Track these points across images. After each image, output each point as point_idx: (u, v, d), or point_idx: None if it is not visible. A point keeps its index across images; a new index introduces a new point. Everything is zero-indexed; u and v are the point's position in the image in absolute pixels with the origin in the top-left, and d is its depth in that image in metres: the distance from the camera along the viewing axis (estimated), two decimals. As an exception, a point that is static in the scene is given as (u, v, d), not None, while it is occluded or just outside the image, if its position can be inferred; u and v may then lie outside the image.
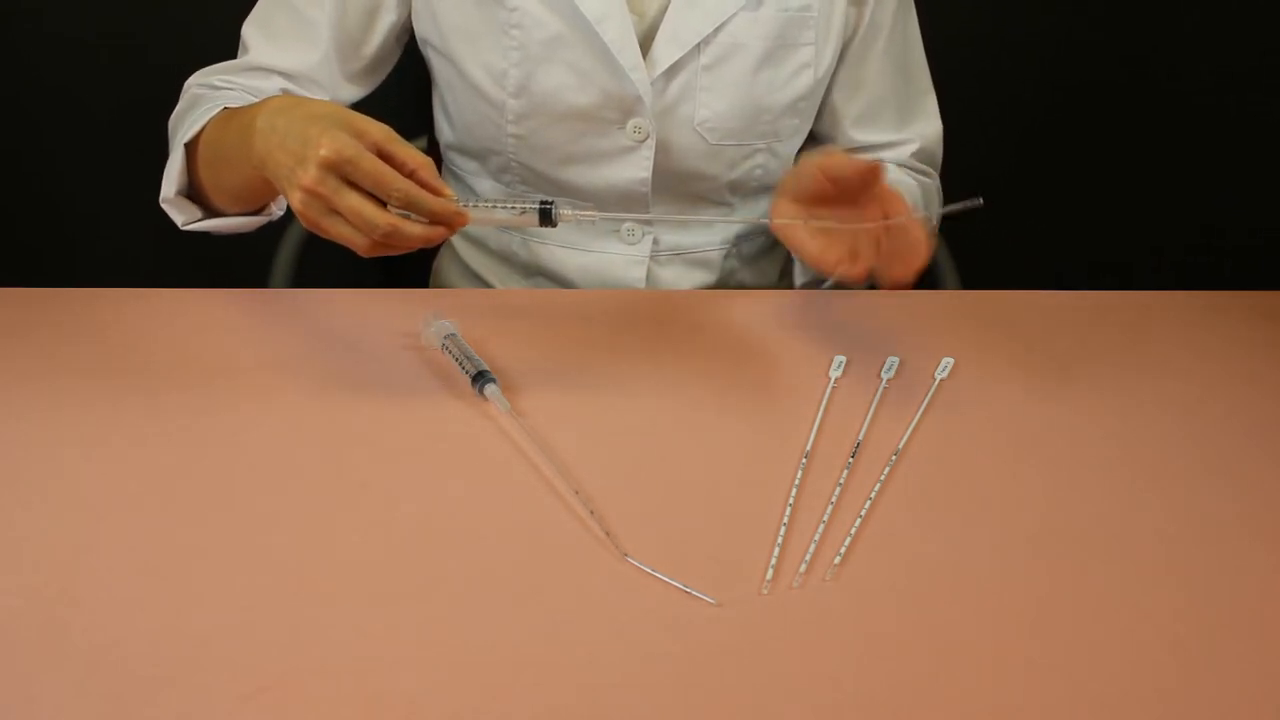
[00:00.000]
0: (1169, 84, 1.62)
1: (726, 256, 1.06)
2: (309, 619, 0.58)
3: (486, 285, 1.09)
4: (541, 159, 0.98)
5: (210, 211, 0.90)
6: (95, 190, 1.61)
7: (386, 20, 0.97)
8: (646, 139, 0.96)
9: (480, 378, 0.76)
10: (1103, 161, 1.68)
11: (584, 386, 0.79)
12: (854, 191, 0.80)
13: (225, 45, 0.98)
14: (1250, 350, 0.87)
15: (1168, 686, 0.56)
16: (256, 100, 0.82)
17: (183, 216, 0.89)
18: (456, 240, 1.11)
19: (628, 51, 0.92)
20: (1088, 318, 0.92)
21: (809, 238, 0.80)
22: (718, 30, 0.94)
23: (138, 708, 0.52)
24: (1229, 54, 1.60)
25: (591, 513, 0.65)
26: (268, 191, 0.85)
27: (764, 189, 1.03)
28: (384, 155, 0.69)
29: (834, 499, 0.68)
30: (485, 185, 1.04)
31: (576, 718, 0.53)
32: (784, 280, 1.13)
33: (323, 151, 0.68)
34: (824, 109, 1.04)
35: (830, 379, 0.80)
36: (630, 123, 0.95)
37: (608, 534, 0.64)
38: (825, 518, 0.66)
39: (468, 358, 0.77)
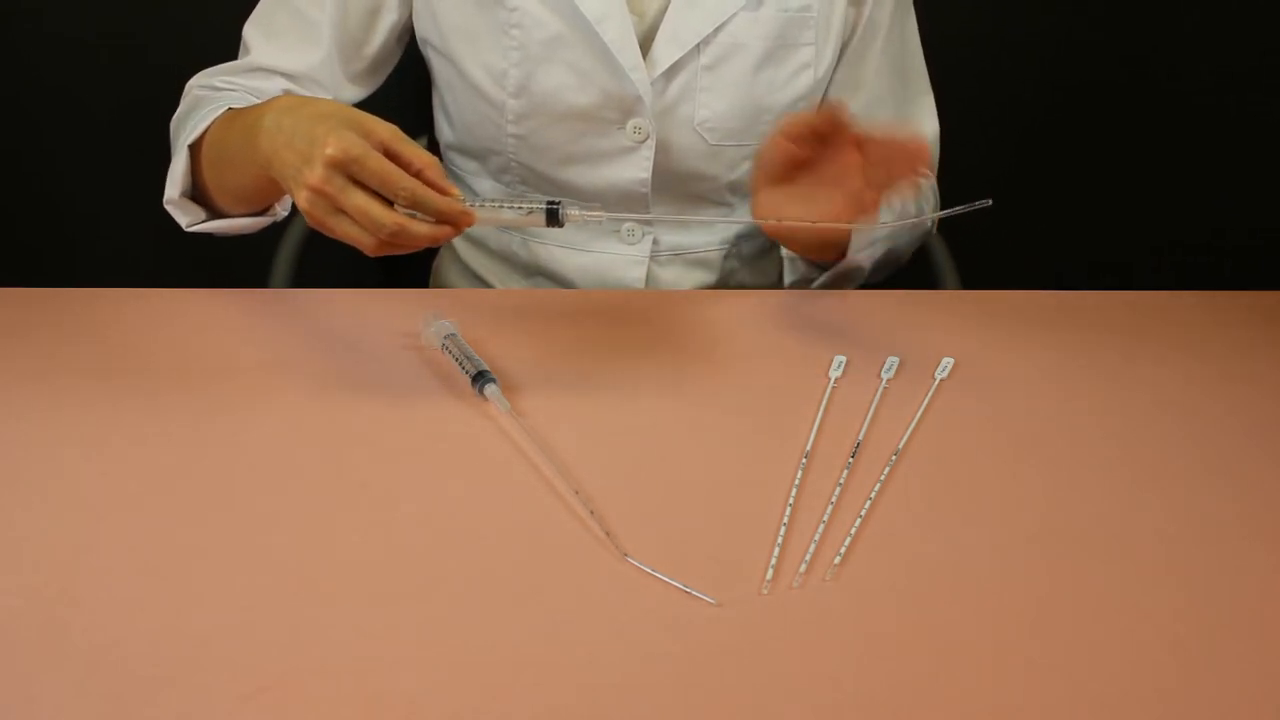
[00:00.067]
0: (1169, 84, 1.62)
1: (726, 257, 1.06)
2: (309, 619, 0.58)
3: (486, 285, 1.09)
4: (541, 159, 0.98)
5: (214, 213, 0.90)
6: (95, 190, 1.61)
7: (388, 20, 0.97)
8: (646, 139, 0.96)
9: (480, 378, 0.76)
10: (1102, 161, 1.68)
11: (584, 386, 0.79)
12: (826, 141, 0.80)
13: (225, 45, 0.98)
14: (1250, 350, 0.87)
15: (1168, 686, 0.56)
16: (260, 101, 0.82)
17: (187, 218, 0.89)
18: (456, 240, 1.11)
19: (628, 51, 0.92)
20: (1088, 318, 0.92)
21: (801, 215, 0.81)
22: (718, 30, 0.94)
23: (138, 708, 0.52)
24: (1229, 54, 1.60)
25: (591, 513, 0.65)
26: (273, 192, 0.85)
27: (764, 190, 1.03)
28: (391, 154, 0.69)
29: (834, 499, 0.68)
30: (485, 185, 1.04)
31: (576, 718, 0.53)
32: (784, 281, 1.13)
33: (329, 150, 0.68)
34: None
35: (830, 379, 0.80)
36: (630, 123, 0.95)
37: (608, 534, 0.64)
38: (825, 518, 0.66)
39: (468, 358, 0.77)
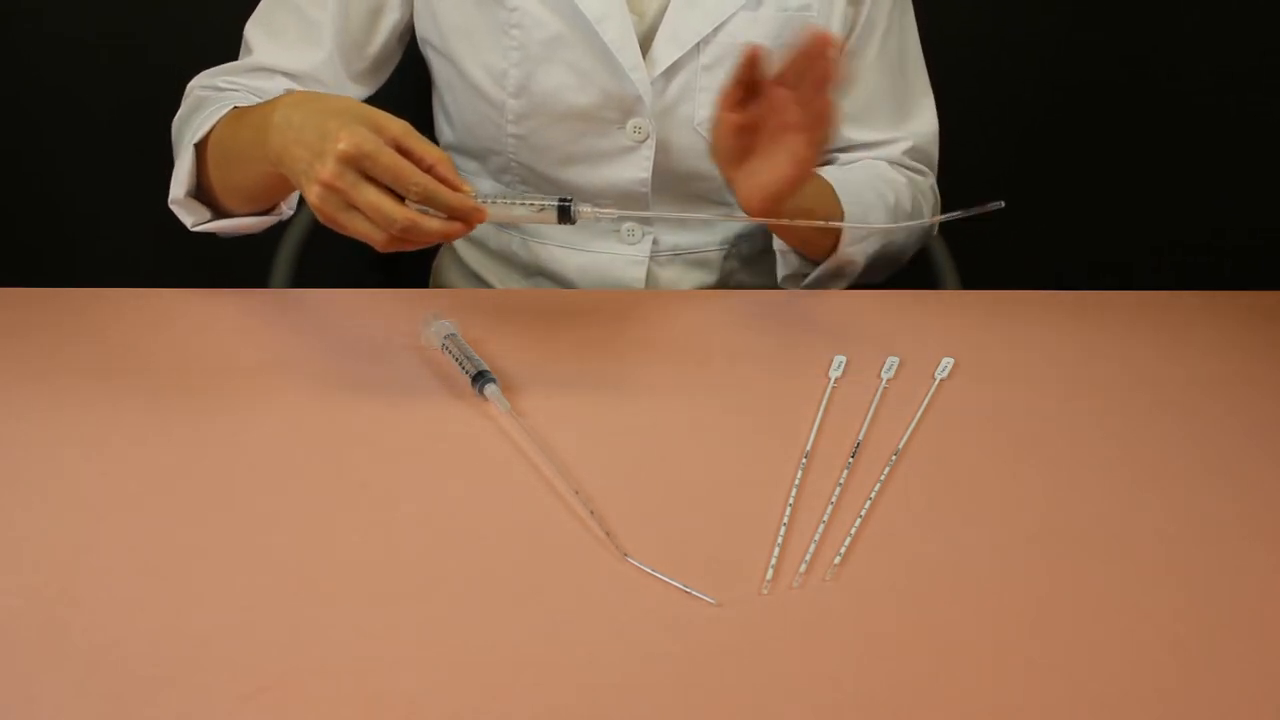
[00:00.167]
0: (1169, 84, 1.62)
1: (726, 257, 1.06)
2: (309, 619, 0.58)
3: (486, 285, 1.09)
4: (541, 159, 0.98)
5: (219, 212, 0.90)
6: (95, 190, 1.61)
7: (390, 19, 0.97)
8: (646, 139, 0.96)
9: (480, 378, 0.76)
10: (1102, 161, 1.68)
11: (584, 386, 0.79)
12: (760, 93, 0.78)
13: (225, 45, 0.98)
14: (1250, 350, 0.87)
15: (1168, 686, 0.56)
16: (264, 100, 0.82)
17: (192, 218, 0.89)
18: (457, 240, 1.11)
19: (628, 51, 0.92)
20: (1088, 318, 0.91)
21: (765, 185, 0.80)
22: (717, 30, 0.94)
23: (138, 708, 0.52)
24: (1229, 54, 1.60)
25: (591, 513, 0.65)
26: (281, 189, 0.84)
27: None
28: (402, 150, 0.69)
29: (834, 499, 0.68)
30: (485, 185, 1.04)
31: (576, 718, 0.53)
32: (784, 280, 1.13)
33: (341, 145, 0.67)
34: None
35: (830, 379, 0.80)
36: (630, 123, 0.95)
37: (608, 534, 0.64)
38: (825, 518, 0.66)
39: (468, 358, 0.77)
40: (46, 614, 0.57)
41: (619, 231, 1.02)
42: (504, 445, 0.72)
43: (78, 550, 0.62)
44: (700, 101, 0.95)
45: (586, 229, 1.01)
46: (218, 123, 0.85)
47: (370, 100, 0.99)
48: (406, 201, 0.69)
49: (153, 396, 0.76)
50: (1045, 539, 0.66)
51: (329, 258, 1.11)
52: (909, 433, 0.74)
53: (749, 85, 0.78)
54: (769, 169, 0.80)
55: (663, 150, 0.97)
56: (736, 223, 1.05)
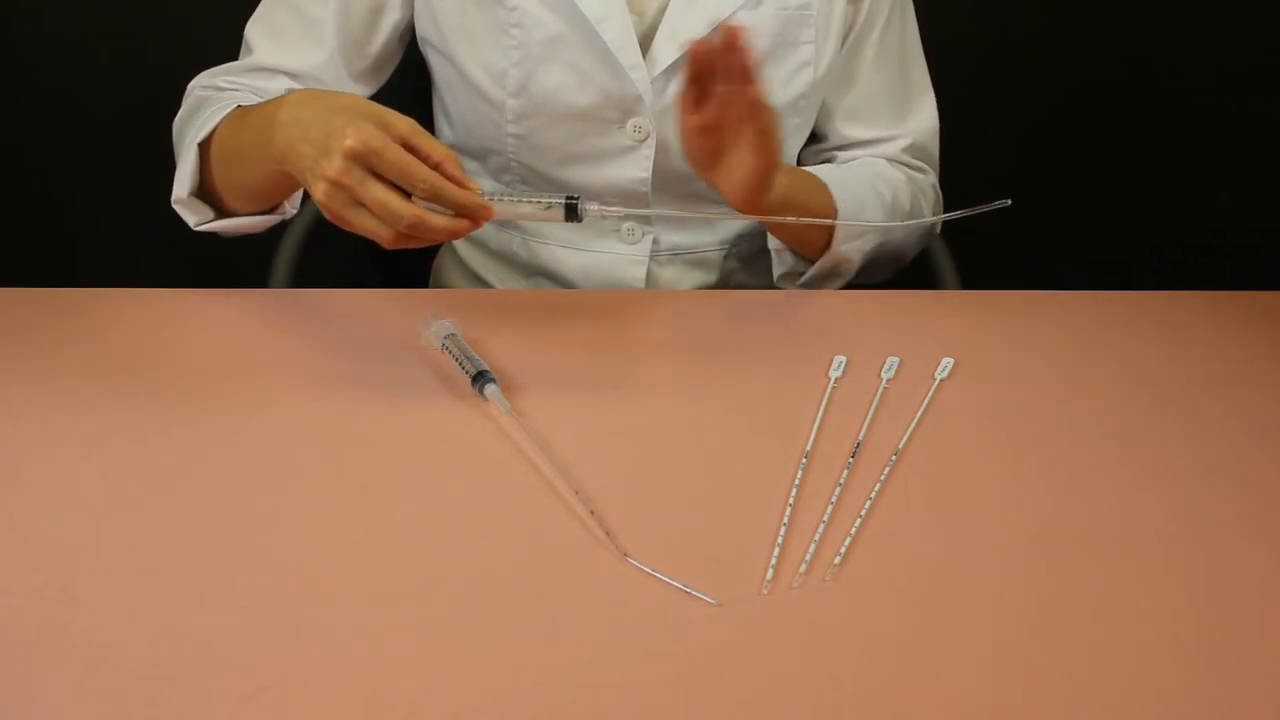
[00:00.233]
0: (1169, 84, 1.62)
1: (726, 257, 1.06)
2: (309, 619, 0.58)
3: (486, 285, 1.09)
4: (541, 159, 0.98)
5: (222, 212, 0.90)
6: (95, 190, 1.61)
7: (391, 19, 0.97)
8: (646, 138, 0.96)
9: (480, 378, 0.76)
10: (1102, 161, 1.68)
11: (584, 386, 0.79)
12: (710, 89, 0.78)
13: (225, 45, 0.98)
14: (1250, 350, 0.87)
15: (1168, 686, 0.56)
16: (267, 99, 0.82)
17: (195, 217, 0.89)
18: (456, 240, 1.11)
19: (627, 51, 0.92)
20: (1088, 318, 0.91)
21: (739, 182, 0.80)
22: (717, 29, 0.93)
23: (138, 708, 0.52)
24: (1229, 54, 1.60)
25: (591, 513, 0.65)
26: (286, 187, 0.84)
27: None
28: (409, 147, 0.69)
29: (834, 499, 0.68)
30: (485, 185, 1.04)
31: (576, 718, 0.53)
32: (783, 280, 1.13)
33: (348, 142, 0.67)
34: None
35: (830, 379, 0.80)
36: (630, 122, 0.95)
37: (608, 534, 0.64)
38: (825, 518, 0.66)
39: (468, 358, 0.77)
40: (46, 614, 0.57)
41: (619, 231, 1.02)
42: (504, 445, 0.72)
43: (78, 550, 0.62)
44: (700, 101, 0.95)
45: (587, 228, 1.01)
46: (221, 121, 0.85)
47: (371, 100, 0.99)
48: (413, 198, 0.69)
49: (153, 396, 0.76)
50: (1045, 539, 0.66)
51: (329, 258, 1.11)
52: (909, 433, 0.74)
53: (701, 85, 0.78)
54: (739, 164, 0.80)
55: (663, 149, 0.97)
56: (736, 222, 1.04)
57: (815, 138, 1.07)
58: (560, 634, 0.57)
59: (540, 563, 0.62)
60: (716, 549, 0.64)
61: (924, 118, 1.07)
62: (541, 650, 0.56)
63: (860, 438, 0.74)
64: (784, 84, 0.97)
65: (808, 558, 0.63)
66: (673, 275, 1.05)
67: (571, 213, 0.74)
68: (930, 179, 1.08)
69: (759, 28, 0.94)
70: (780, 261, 0.99)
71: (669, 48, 0.93)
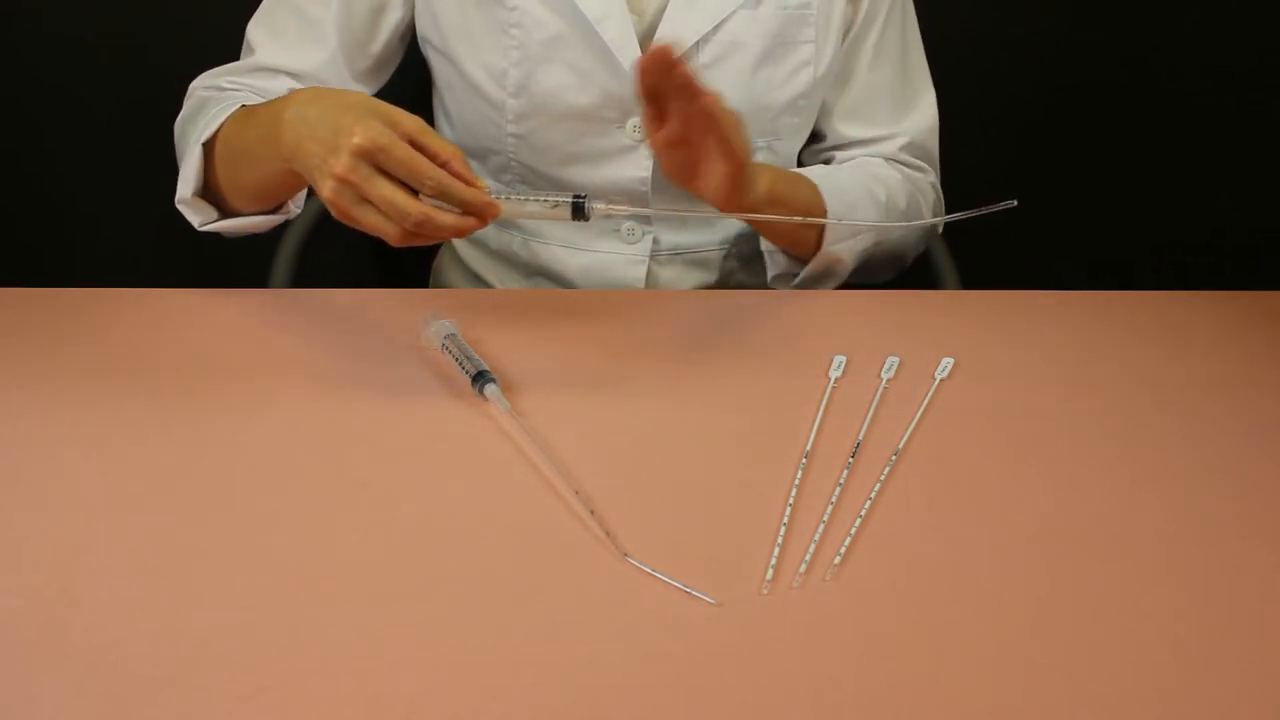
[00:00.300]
0: (1169, 84, 1.62)
1: (726, 257, 1.06)
2: (309, 619, 0.58)
3: (486, 285, 1.09)
4: (541, 158, 0.98)
5: (226, 212, 0.90)
6: (95, 190, 1.61)
7: (392, 18, 0.97)
8: (646, 138, 0.96)
9: (480, 378, 0.76)
10: (1102, 161, 1.68)
11: (584, 386, 0.79)
12: (666, 101, 0.78)
13: (225, 45, 0.98)
14: (1250, 350, 0.87)
15: (1168, 686, 0.56)
16: (270, 99, 0.82)
17: (199, 217, 0.89)
18: (456, 240, 1.11)
19: (627, 51, 0.92)
20: (1088, 318, 0.91)
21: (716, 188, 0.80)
22: (717, 29, 0.94)
23: (138, 708, 0.52)
24: (1229, 54, 1.60)
25: (591, 513, 0.65)
26: (291, 186, 0.84)
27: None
28: (416, 145, 0.69)
29: (834, 499, 0.68)
30: (489, 184, 1.04)
31: (576, 718, 0.53)
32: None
33: (356, 139, 0.67)
34: None
35: (830, 379, 0.80)
36: (630, 122, 0.96)
37: (608, 534, 0.64)
38: (825, 518, 0.66)
39: (468, 358, 0.77)
40: (46, 614, 0.57)
41: (619, 231, 1.02)
42: (504, 445, 0.72)
43: (78, 550, 0.62)
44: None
45: (587, 228, 1.01)
46: (225, 121, 0.85)
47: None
48: (420, 196, 0.69)
49: (153, 396, 0.76)
50: (1045, 539, 0.66)
51: (329, 258, 1.11)
52: (909, 433, 0.74)
53: (657, 102, 0.77)
54: (712, 171, 0.80)
55: (662, 150, 0.96)
56: (736, 222, 1.04)
57: (814, 137, 1.07)
58: (560, 634, 0.57)
59: (540, 563, 0.62)
60: (716, 549, 0.64)
61: (922, 115, 1.06)
62: (541, 650, 0.56)
63: (860, 438, 0.74)
64: (784, 83, 0.97)
65: (808, 558, 0.63)
66: (673, 275, 1.05)
67: (579, 211, 0.74)
68: (930, 178, 1.08)
69: (758, 27, 0.94)
70: (773, 263, 0.99)
71: (669, 48, 0.93)
